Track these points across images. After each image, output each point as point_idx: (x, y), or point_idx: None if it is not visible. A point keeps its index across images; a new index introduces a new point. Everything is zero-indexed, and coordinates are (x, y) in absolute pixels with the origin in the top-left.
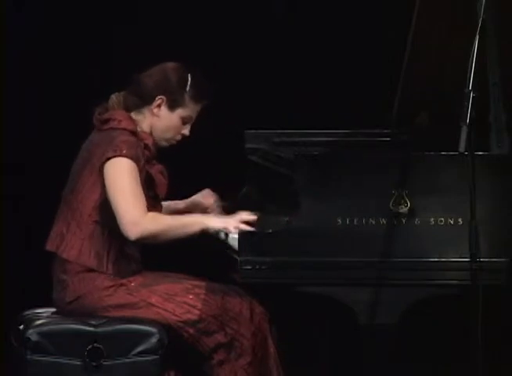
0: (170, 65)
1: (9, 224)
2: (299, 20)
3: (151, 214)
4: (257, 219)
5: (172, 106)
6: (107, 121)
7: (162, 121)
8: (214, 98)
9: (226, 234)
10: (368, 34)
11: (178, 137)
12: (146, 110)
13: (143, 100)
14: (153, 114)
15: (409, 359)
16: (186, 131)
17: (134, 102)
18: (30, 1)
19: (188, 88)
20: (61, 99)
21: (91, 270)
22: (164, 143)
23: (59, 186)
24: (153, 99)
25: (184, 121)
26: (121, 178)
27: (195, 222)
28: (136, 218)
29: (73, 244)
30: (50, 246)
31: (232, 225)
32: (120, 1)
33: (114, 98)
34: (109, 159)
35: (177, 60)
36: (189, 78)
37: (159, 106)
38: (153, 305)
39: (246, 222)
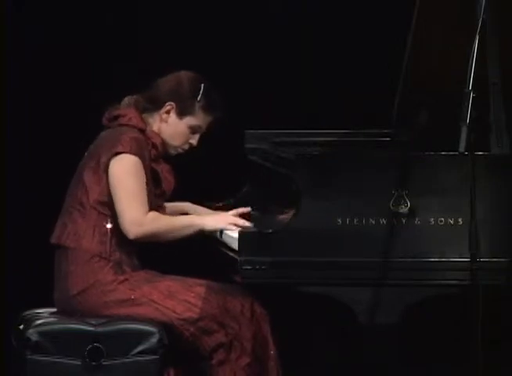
0: (185, 73)
1: (9, 224)
2: (299, 20)
3: (151, 214)
4: (255, 218)
5: (181, 113)
6: (117, 117)
7: (170, 127)
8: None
9: (221, 232)
10: (368, 34)
11: (186, 146)
12: (155, 114)
13: (154, 104)
14: (162, 120)
15: (409, 359)
16: (194, 141)
17: (144, 105)
18: (30, 1)
19: (199, 98)
20: (61, 99)
21: (94, 261)
22: (172, 151)
23: (59, 186)
24: (163, 105)
25: (192, 130)
26: (126, 176)
27: (192, 224)
28: (137, 218)
29: (75, 232)
30: (53, 239)
31: (229, 222)
32: (120, 1)
33: (127, 100)
34: (116, 154)
35: (177, 60)
36: (202, 88)
37: (168, 112)
38: (153, 301)
39: (242, 216)
